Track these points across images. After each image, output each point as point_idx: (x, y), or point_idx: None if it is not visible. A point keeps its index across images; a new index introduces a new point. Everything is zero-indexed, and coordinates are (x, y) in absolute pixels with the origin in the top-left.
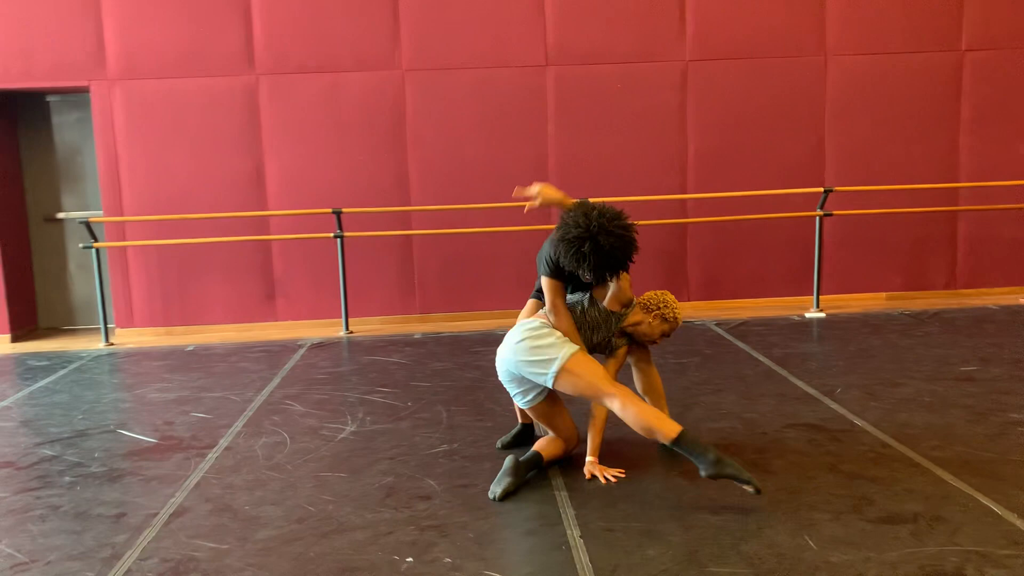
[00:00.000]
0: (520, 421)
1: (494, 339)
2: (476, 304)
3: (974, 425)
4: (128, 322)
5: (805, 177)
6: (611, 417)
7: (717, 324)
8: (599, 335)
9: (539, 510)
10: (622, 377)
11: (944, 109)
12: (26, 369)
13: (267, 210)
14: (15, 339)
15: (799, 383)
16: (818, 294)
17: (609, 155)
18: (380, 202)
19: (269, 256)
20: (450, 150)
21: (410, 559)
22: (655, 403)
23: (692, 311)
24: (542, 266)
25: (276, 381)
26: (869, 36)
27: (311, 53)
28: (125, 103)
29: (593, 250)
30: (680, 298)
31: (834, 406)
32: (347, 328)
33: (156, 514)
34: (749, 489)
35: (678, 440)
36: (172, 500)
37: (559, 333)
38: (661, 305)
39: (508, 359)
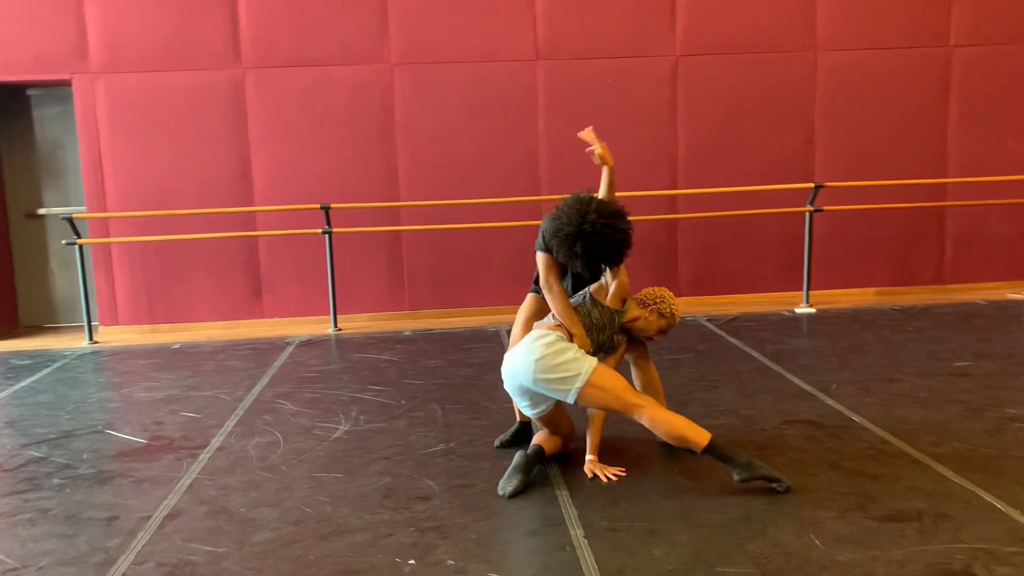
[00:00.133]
0: (518, 419)
1: (485, 336)
2: (466, 301)
3: (971, 421)
4: (112, 320)
5: (795, 172)
6: (609, 415)
7: (708, 320)
8: (605, 335)
9: (541, 510)
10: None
11: (933, 105)
12: (8, 368)
13: (253, 205)
14: None
15: (794, 379)
16: (808, 289)
17: None
18: (368, 197)
19: (255, 252)
20: (440, 145)
21: (412, 561)
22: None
23: (683, 307)
24: (539, 240)
25: (265, 379)
26: (859, 31)
27: (298, 46)
28: (108, 97)
29: (584, 251)
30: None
31: (830, 402)
32: (335, 325)
33: (149, 517)
34: (780, 488)
35: (709, 448)
36: (165, 502)
37: (575, 346)
38: (658, 300)
39: (522, 376)
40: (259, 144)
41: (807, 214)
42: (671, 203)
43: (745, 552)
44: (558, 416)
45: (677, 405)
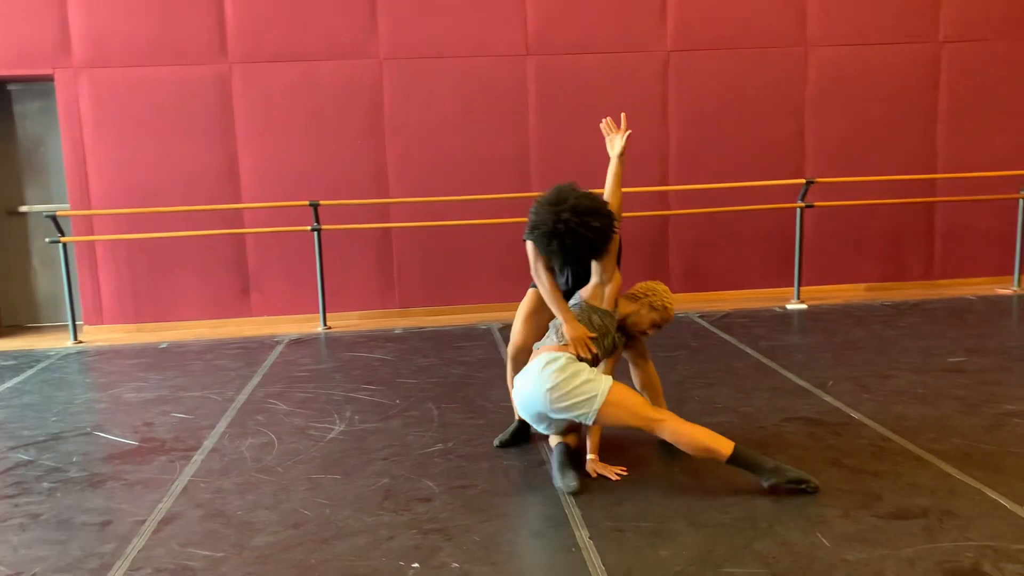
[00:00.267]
0: (516, 418)
1: (477, 333)
2: (457, 298)
3: (969, 417)
4: (96, 319)
5: (785, 168)
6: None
7: (700, 316)
8: (608, 339)
9: (543, 510)
10: (619, 374)
11: (922, 100)
12: None
13: (241, 203)
14: None
15: (790, 376)
16: (799, 286)
17: (591, 145)
18: (357, 194)
19: (243, 250)
20: (429, 141)
21: (416, 565)
22: (653, 399)
23: (675, 303)
24: (527, 229)
25: (256, 379)
26: (849, 27)
27: (286, 40)
28: (91, 92)
29: (560, 248)
30: None
31: (828, 399)
32: (325, 324)
33: (144, 521)
34: (809, 489)
35: (734, 457)
36: (160, 506)
37: (587, 367)
38: (649, 293)
39: (538, 405)
40: (246, 140)
41: (798, 210)
42: (662, 199)
43: (753, 552)
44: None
45: (675, 403)
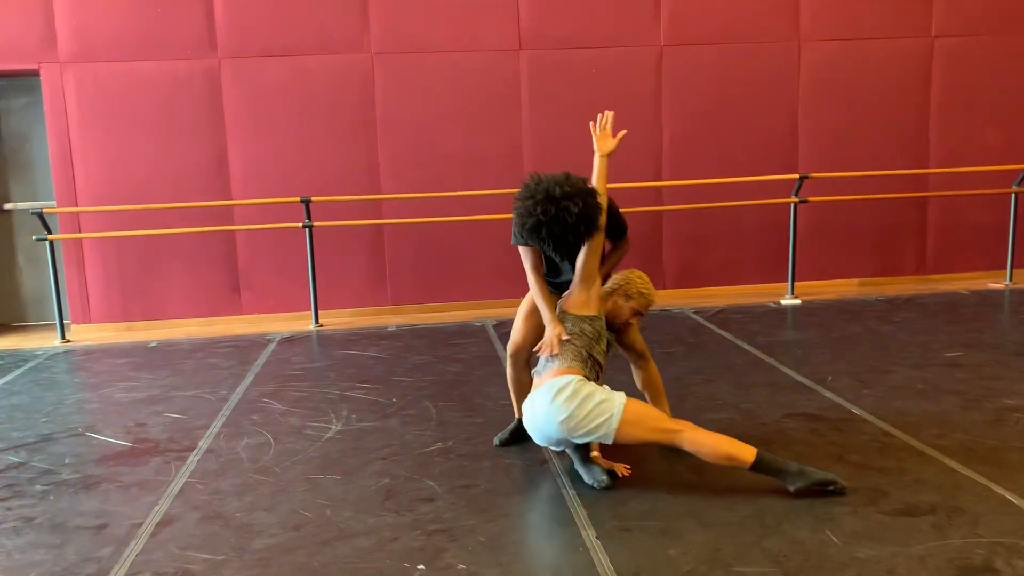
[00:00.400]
0: (516, 416)
1: (472, 331)
2: (450, 295)
3: (970, 412)
4: (84, 318)
5: (778, 163)
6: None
7: (695, 312)
8: (602, 343)
9: (548, 510)
10: (618, 373)
11: (914, 95)
12: None
13: (231, 199)
14: None
15: (789, 371)
16: (793, 281)
17: (584, 141)
18: (349, 190)
19: (233, 247)
20: (421, 136)
21: (421, 566)
22: (654, 399)
23: (668, 299)
24: (514, 237)
25: (249, 378)
26: (842, 22)
27: (276, 35)
28: (78, 87)
29: (549, 236)
30: (656, 286)
31: (828, 394)
32: (317, 321)
33: (141, 524)
34: (836, 490)
35: (757, 464)
36: (156, 508)
37: (596, 387)
38: (623, 283)
39: (554, 434)
40: (236, 136)
41: (792, 205)
42: (656, 194)
43: (762, 550)
44: None
45: (675, 399)
